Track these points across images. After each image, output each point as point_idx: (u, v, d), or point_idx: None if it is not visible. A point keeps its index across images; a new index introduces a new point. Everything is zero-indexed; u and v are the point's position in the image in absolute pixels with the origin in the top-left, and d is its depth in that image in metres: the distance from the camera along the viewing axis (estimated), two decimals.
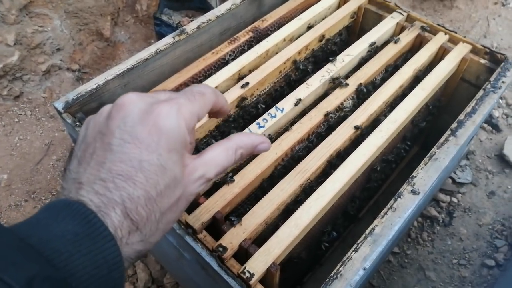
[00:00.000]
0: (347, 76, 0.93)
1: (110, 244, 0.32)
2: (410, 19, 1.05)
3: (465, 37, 0.98)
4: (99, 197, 0.33)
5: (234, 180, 0.72)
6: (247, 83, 0.88)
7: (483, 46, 0.97)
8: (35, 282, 0.28)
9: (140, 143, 0.35)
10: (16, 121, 1.45)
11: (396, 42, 0.97)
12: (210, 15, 1.04)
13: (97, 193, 0.33)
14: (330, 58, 0.93)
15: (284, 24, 1.03)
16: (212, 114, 0.47)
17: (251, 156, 0.81)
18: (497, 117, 1.44)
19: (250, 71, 0.92)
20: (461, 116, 0.84)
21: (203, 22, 1.02)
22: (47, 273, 0.29)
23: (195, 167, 0.39)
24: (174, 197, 0.37)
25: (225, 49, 0.97)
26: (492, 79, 0.91)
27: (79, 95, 0.87)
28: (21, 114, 1.47)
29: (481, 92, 0.89)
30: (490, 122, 1.42)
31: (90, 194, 0.34)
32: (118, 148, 0.35)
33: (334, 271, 0.62)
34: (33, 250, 0.30)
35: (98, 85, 0.89)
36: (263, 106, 0.94)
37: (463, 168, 1.29)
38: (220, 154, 0.41)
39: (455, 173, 1.28)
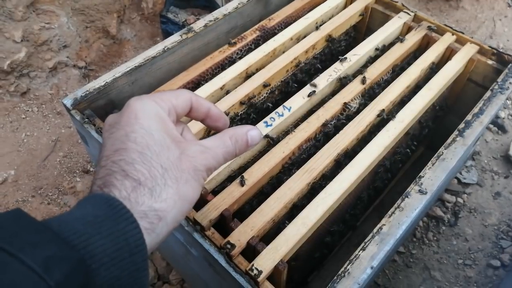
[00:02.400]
0: (354, 76, 0.93)
1: (133, 227, 0.32)
2: (417, 19, 1.05)
3: (472, 37, 0.98)
4: (104, 178, 0.36)
5: (245, 183, 0.72)
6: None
7: (490, 47, 0.97)
8: (52, 262, 0.28)
9: (121, 125, 0.40)
10: (23, 118, 1.46)
11: (402, 41, 0.97)
12: (217, 13, 1.04)
13: (103, 177, 0.37)
14: (341, 57, 0.93)
15: (291, 23, 1.03)
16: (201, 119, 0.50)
17: (258, 155, 0.81)
18: (503, 118, 1.44)
19: (257, 70, 0.93)
20: (469, 117, 0.84)
21: (210, 21, 1.02)
22: (65, 254, 0.29)
23: (203, 152, 0.42)
24: (173, 155, 0.39)
25: (232, 47, 0.98)
26: (499, 80, 0.91)
27: (88, 92, 0.87)
28: (28, 110, 1.48)
29: (488, 93, 0.89)
30: (496, 123, 1.41)
31: (99, 182, 0.36)
32: (108, 140, 0.40)
33: (342, 269, 0.63)
34: (51, 231, 0.30)
35: (106, 82, 0.89)
36: (270, 105, 0.94)
37: (469, 169, 1.29)
38: (219, 144, 0.45)
39: (460, 173, 1.28)
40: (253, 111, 0.91)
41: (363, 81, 0.89)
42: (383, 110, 0.84)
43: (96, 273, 0.30)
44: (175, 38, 0.98)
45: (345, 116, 0.87)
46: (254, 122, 0.83)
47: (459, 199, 1.23)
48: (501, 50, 0.96)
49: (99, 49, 1.65)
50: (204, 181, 0.42)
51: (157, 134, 0.39)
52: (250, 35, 1.00)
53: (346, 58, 0.94)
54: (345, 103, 0.86)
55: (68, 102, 0.86)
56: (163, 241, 0.39)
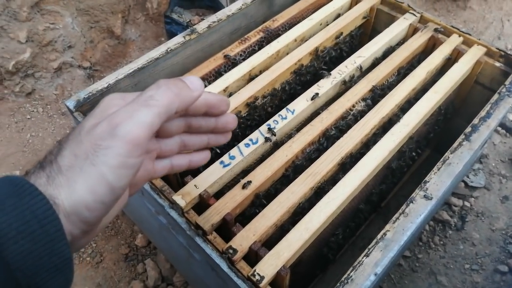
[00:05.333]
0: (359, 78, 0.92)
1: (38, 199, 0.32)
2: (423, 21, 1.03)
3: (479, 39, 0.97)
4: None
5: (250, 183, 0.72)
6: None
7: (498, 49, 0.95)
8: None
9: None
10: (28, 118, 1.47)
11: (407, 43, 0.96)
12: (221, 14, 1.04)
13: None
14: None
15: (295, 24, 1.02)
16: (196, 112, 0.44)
17: (261, 159, 0.80)
18: (511, 121, 1.41)
19: (261, 72, 0.92)
20: (476, 121, 0.83)
21: (214, 22, 1.02)
22: None
23: (111, 119, 0.36)
24: (77, 140, 0.35)
25: (235, 49, 0.97)
26: (507, 82, 0.89)
27: (90, 94, 0.87)
28: (33, 111, 1.49)
29: (496, 96, 0.87)
30: (504, 126, 1.39)
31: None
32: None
33: (345, 275, 0.62)
34: None
35: (109, 84, 0.89)
36: (273, 107, 0.94)
37: (476, 172, 1.27)
38: (135, 97, 0.38)
39: (468, 177, 1.26)
40: (256, 114, 0.90)
41: (368, 84, 0.88)
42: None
43: (4, 247, 0.30)
44: (178, 39, 0.97)
45: (350, 119, 0.86)
46: (257, 125, 0.82)
47: (466, 203, 1.21)
48: (509, 52, 0.94)
49: (104, 50, 1.66)
50: (131, 155, 0.34)
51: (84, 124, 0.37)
52: (254, 36, 0.99)
53: (350, 60, 0.93)
54: (349, 106, 0.85)
55: (71, 104, 0.85)
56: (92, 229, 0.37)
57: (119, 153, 0.34)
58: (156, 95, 0.36)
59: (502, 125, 1.39)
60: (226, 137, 0.49)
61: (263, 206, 0.71)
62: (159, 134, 0.44)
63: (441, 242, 1.14)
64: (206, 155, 0.50)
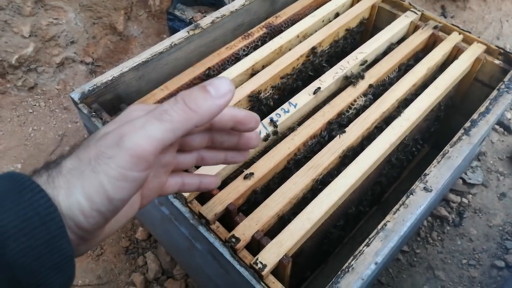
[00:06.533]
0: (360, 74, 0.93)
1: (39, 196, 0.31)
2: (424, 19, 1.05)
3: (479, 37, 0.98)
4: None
5: (253, 174, 0.73)
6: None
7: (497, 46, 0.96)
8: None
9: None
10: (30, 112, 1.47)
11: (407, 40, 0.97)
12: (224, 10, 1.05)
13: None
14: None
15: (297, 21, 1.03)
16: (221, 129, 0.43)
17: (263, 151, 0.81)
18: (509, 119, 1.43)
19: (264, 67, 0.93)
20: (475, 116, 0.84)
21: (217, 17, 1.03)
22: None
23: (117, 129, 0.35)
24: (87, 145, 0.35)
25: (239, 44, 0.98)
26: (506, 79, 0.91)
27: (95, 87, 0.88)
28: (35, 105, 1.49)
29: (495, 92, 0.88)
30: (502, 124, 1.41)
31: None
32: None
33: (346, 264, 0.63)
34: None
35: (114, 77, 0.90)
36: (276, 102, 0.95)
37: (474, 169, 1.29)
38: (152, 110, 0.36)
39: (466, 174, 1.27)
40: (258, 108, 0.91)
41: (369, 80, 0.89)
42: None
43: (4, 245, 0.29)
44: (182, 34, 0.98)
45: (351, 113, 0.87)
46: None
47: (464, 199, 1.23)
48: (509, 51, 0.96)
49: (106, 46, 1.66)
50: (133, 168, 0.33)
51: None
52: (257, 32, 1.01)
53: (352, 56, 0.94)
54: (350, 101, 0.86)
55: (75, 96, 0.86)
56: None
57: (121, 165, 0.33)
58: (171, 110, 0.34)
59: (500, 123, 1.41)
60: (244, 155, 0.47)
61: (265, 197, 0.72)
62: (181, 147, 0.43)
63: (439, 238, 1.16)
64: (216, 180, 0.49)
